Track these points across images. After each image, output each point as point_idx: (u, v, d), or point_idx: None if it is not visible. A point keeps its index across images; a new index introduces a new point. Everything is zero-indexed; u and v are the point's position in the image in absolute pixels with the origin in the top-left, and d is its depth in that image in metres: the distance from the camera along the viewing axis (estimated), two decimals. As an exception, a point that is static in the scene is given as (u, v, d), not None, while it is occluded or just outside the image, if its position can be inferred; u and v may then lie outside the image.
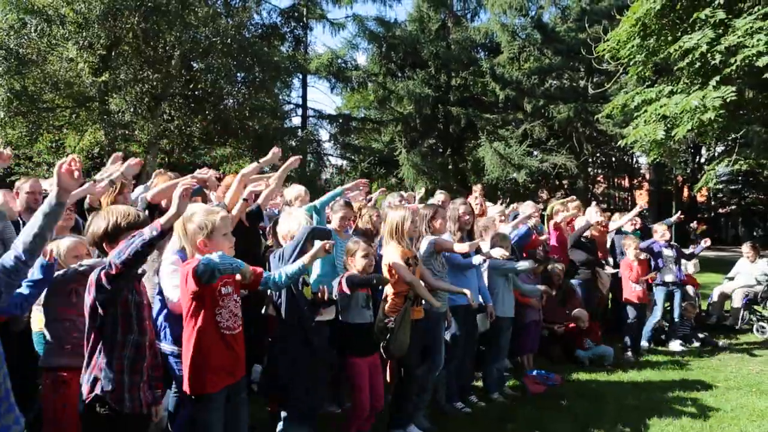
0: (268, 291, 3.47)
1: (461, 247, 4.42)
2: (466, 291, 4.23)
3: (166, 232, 2.32)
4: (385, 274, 4.04)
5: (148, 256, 2.38)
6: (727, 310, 8.58)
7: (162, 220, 2.31)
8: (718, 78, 6.30)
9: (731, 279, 8.76)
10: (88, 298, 2.40)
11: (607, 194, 26.62)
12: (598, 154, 24.42)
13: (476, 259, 4.60)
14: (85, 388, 2.44)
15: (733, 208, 33.66)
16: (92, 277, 2.39)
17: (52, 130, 15.04)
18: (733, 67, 5.97)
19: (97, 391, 2.40)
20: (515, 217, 6.54)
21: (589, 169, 24.09)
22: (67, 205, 2.31)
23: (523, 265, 5.18)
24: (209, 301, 2.73)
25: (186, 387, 2.77)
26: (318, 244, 3.14)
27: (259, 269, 3.02)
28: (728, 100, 6.08)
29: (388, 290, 4.10)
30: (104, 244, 2.53)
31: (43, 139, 15.09)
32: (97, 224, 2.54)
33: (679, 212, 8.38)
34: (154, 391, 2.63)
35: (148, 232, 2.26)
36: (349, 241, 4.09)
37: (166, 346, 3.22)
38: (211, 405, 2.75)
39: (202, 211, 2.87)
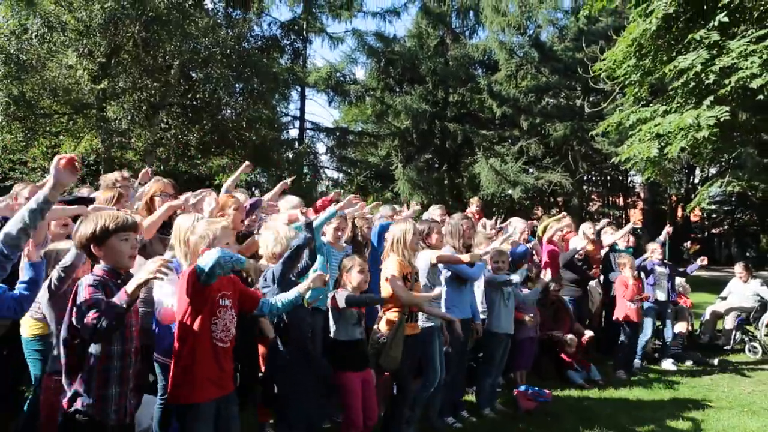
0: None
1: (467, 258, 4.43)
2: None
3: (135, 300, 2.35)
4: (383, 286, 4.03)
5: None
6: (720, 330, 8.59)
7: (129, 287, 2.31)
8: (712, 98, 6.39)
9: (724, 299, 8.79)
10: (67, 319, 2.38)
11: (602, 212, 26.69)
12: (593, 173, 24.56)
13: (515, 277, 4.70)
14: (64, 401, 2.41)
15: (726, 228, 33.84)
16: (73, 318, 2.34)
17: (48, 136, 15.01)
18: (728, 89, 6.05)
19: (78, 406, 2.36)
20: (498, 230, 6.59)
21: (584, 187, 24.20)
22: (52, 205, 2.34)
23: (517, 276, 5.17)
24: (207, 309, 2.73)
25: (174, 395, 2.74)
26: (314, 274, 3.15)
27: (260, 292, 3.05)
28: (722, 119, 6.15)
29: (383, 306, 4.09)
30: (92, 247, 2.49)
31: (39, 145, 15.05)
32: (85, 227, 2.51)
33: (667, 227, 8.35)
34: (138, 395, 2.64)
35: (121, 301, 2.28)
36: (344, 258, 4.08)
37: (158, 356, 3.21)
38: (199, 415, 2.70)
39: (204, 222, 2.97)
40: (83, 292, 2.34)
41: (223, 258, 2.55)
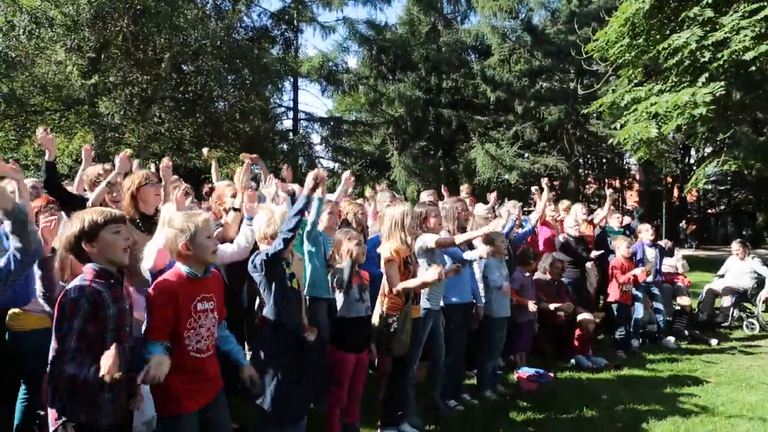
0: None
1: (461, 238, 4.41)
2: (435, 272, 3.95)
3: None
4: (383, 270, 4.01)
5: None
6: (718, 308, 8.65)
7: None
8: (706, 75, 6.37)
9: (721, 277, 8.82)
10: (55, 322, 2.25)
11: (598, 195, 26.76)
12: (588, 156, 24.57)
13: (469, 255, 4.60)
14: (51, 413, 2.26)
15: (722, 208, 33.97)
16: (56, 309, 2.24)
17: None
18: (721, 62, 6.04)
19: (73, 409, 2.25)
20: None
21: (580, 171, 24.22)
22: None
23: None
24: (183, 319, 2.54)
25: (157, 405, 2.61)
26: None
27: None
28: (717, 95, 6.14)
29: (386, 289, 4.08)
30: (83, 244, 2.34)
31: (31, 143, 14.96)
32: (71, 226, 2.38)
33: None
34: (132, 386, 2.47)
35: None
36: (336, 233, 4.04)
37: None
38: (181, 428, 2.56)
39: (182, 214, 2.72)
40: (66, 306, 2.22)
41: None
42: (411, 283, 3.95)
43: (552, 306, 6.12)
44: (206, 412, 2.64)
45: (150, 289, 2.61)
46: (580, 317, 6.40)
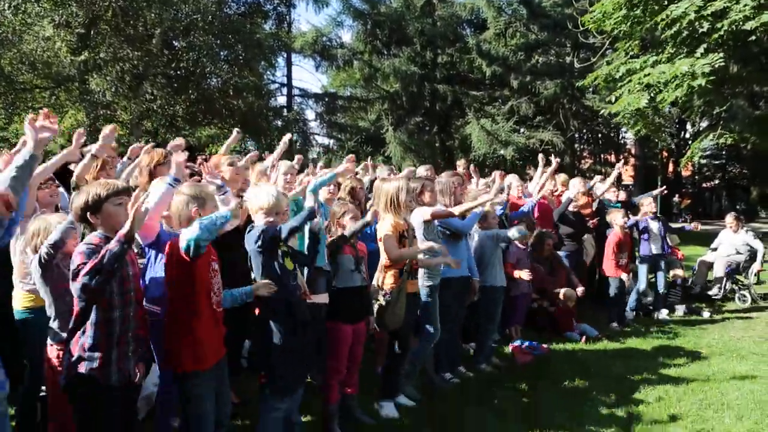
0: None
1: (458, 209, 4.43)
2: (450, 261, 4.19)
3: (132, 240, 2.41)
4: (380, 248, 4.02)
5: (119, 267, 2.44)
6: (710, 280, 8.73)
7: (124, 228, 2.36)
8: (705, 46, 6.31)
9: (714, 249, 8.89)
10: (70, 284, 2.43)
11: (594, 170, 26.74)
12: (584, 131, 24.45)
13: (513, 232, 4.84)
14: (66, 366, 2.49)
15: (716, 182, 34.05)
16: (71, 271, 2.41)
17: (30, 111, 14.71)
18: (721, 32, 5.97)
19: (81, 370, 2.44)
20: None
21: (576, 146, 24.12)
22: (38, 159, 2.60)
23: (514, 232, 5.09)
24: (204, 275, 2.74)
25: (177, 364, 2.75)
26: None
27: None
28: (716, 66, 6.09)
29: (383, 263, 4.09)
30: (89, 216, 2.56)
31: (21, 121, 14.77)
32: (78, 199, 2.59)
33: (664, 186, 8.46)
34: (140, 353, 2.67)
35: (115, 245, 2.33)
36: (334, 205, 4.04)
37: (148, 305, 3.12)
38: (204, 381, 2.75)
39: (189, 183, 2.94)
40: (76, 259, 2.42)
41: (206, 227, 2.54)
42: (408, 252, 3.97)
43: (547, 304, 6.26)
44: (217, 372, 2.82)
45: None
46: (561, 292, 6.38)
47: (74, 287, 2.35)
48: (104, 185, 2.60)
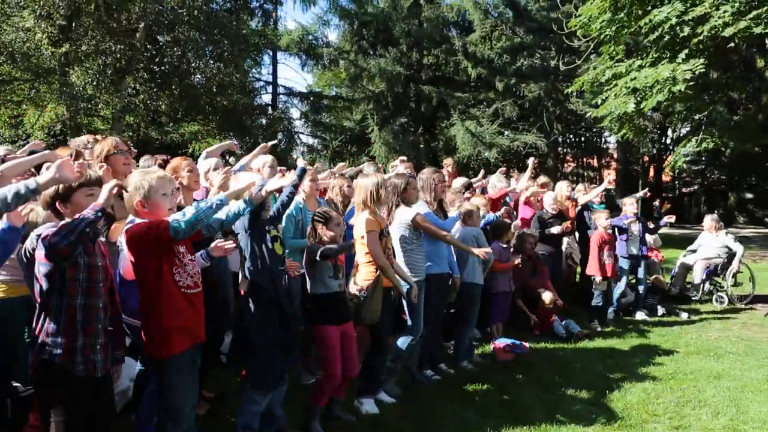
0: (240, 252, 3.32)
1: (449, 236, 4.51)
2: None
3: (106, 210, 2.40)
4: (358, 245, 3.99)
5: (93, 236, 2.45)
6: (689, 282, 8.84)
7: (100, 199, 2.38)
8: (686, 52, 6.41)
9: (694, 251, 9.00)
10: (37, 266, 2.42)
11: (576, 173, 27.05)
12: (568, 134, 24.71)
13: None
14: (30, 355, 2.48)
15: (696, 188, 34.58)
16: (38, 251, 2.42)
17: (9, 105, 14.41)
18: (701, 37, 6.07)
19: (45, 356, 2.41)
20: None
21: (559, 149, 24.38)
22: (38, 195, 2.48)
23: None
24: (168, 259, 2.68)
25: (149, 350, 2.72)
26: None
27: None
28: (697, 73, 6.19)
29: (360, 259, 4.08)
30: (57, 204, 2.52)
31: (1, 114, 14.47)
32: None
33: (646, 189, 8.60)
34: (114, 353, 2.62)
35: (90, 212, 2.33)
36: (318, 209, 4.02)
37: (126, 318, 3.11)
38: (178, 367, 2.68)
39: (137, 173, 2.84)
40: (45, 234, 2.40)
41: (202, 211, 2.54)
42: (390, 272, 3.96)
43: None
44: (194, 357, 2.76)
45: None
46: (543, 297, 6.42)
47: (40, 254, 2.35)
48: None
